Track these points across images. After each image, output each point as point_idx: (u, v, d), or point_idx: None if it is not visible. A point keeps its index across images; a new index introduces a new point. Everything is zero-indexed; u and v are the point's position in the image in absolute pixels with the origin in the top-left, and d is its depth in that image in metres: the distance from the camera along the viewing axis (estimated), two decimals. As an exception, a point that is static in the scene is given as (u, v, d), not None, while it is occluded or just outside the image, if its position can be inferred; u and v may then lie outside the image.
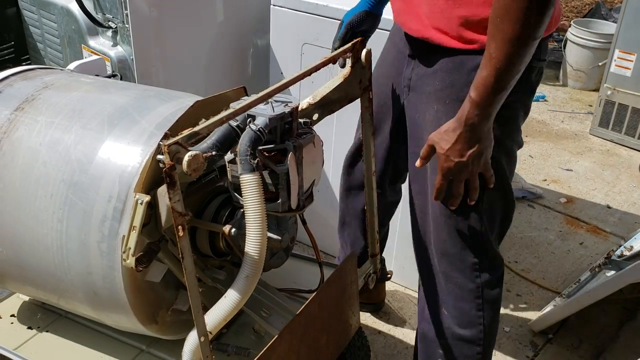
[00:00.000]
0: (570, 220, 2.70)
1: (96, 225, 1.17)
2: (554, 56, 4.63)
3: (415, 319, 2.05)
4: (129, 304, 1.22)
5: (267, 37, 2.07)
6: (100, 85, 1.44)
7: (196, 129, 0.92)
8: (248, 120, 1.16)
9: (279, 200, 1.21)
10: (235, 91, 1.36)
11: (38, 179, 1.24)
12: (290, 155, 1.18)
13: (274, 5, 1.99)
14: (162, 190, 1.12)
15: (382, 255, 2.01)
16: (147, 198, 1.11)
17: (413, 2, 1.33)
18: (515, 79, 1.17)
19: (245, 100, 1.08)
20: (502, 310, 2.12)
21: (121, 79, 1.80)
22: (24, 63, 2.28)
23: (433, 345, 1.51)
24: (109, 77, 1.76)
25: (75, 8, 1.90)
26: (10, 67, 1.50)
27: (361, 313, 2.05)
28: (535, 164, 3.18)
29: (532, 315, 2.09)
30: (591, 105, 3.83)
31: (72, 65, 1.68)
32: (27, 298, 1.56)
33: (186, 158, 0.89)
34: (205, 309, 1.14)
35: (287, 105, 1.21)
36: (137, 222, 1.11)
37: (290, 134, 1.21)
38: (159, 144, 1.01)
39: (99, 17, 1.85)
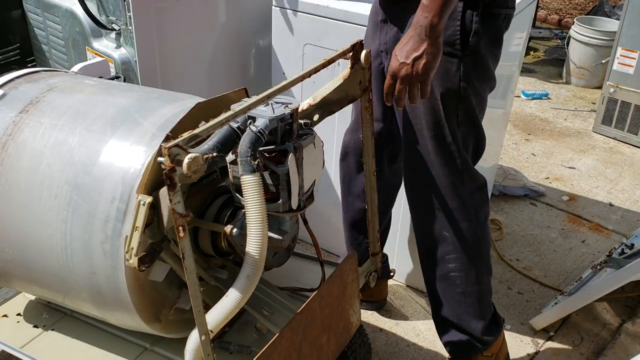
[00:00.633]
0: (573, 218, 2.71)
1: (100, 225, 1.19)
2: (557, 54, 4.63)
3: (417, 316, 2.07)
4: (132, 303, 1.24)
5: (268, 38, 2.09)
6: (103, 87, 1.46)
7: (196, 131, 0.94)
8: (248, 121, 1.18)
9: (280, 201, 1.23)
10: (237, 92, 1.38)
11: (42, 180, 1.26)
12: (290, 156, 1.19)
13: (275, 7, 2.01)
14: (164, 192, 1.13)
15: (385, 252, 2.03)
16: (149, 199, 1.13)
17: None
18: None
19: (245, 102, 1.10)
20: (504, 308, 2.13)
21: (124, 81, 1.82)
22: (30, 65, 2.31)
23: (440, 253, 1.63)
24: (113, 79, 1.78)
25: (79, 10, 1.92)
26: (15, 69, 1.52)
27: (363, 311, 2.07)
28: (538, 162, 3.18)
29: (534, 313, 2.10)
30: (594, 103, 3.83)
31: (76, 68, 1.70)
32: (33, 297, 1.59)
33: (186, 160, 0.91)
34: (208, 307, 1.16)
35: (287, 106, 1.22)
36: (140, 222, 1.13)
37: (290, 135, 1.23)
38: (160, 146, 1.03)
39: (102, 19, 1.87)
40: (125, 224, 1.18)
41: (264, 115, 1.17)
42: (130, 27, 1.78)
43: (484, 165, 2.19)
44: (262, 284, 1.46)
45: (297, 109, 1.23)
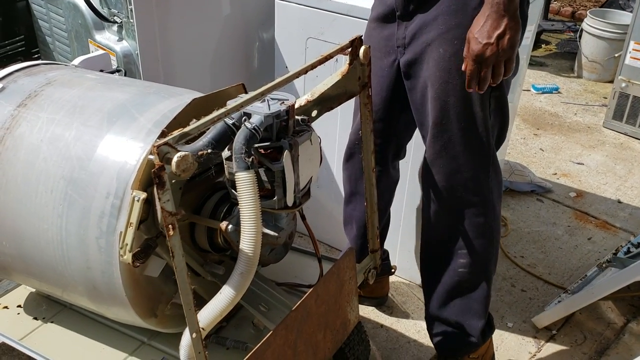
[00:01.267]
0: (580, 215, 2.67)
1: (95, 221, 1.20)
2: (569, 47, 4.56)
3: (418, 313, 2.06)
4: (127, 298, 1.24)
5: (272, 31, 2.07)
6: (102, 81, 1.46)
7: (187, 129, 0.93)
8: (243, 118, 1.17)
9: (275, 198, 1.22)
10: (235, 88, 1.37)
11: (39, 175, 1.26)
12: (285, 153, 1.19)
13: (278, 0, 1.99)
14: (158, 188, 1.13)
15: (386, 249, 2.02)
16: (143, 195, 1.13)
17: None
18: None
19: (240, 99, 1.09)
20: (506, 305, 2.12)
21: (125, 74, 1.82)
22: (35, 57, 2.31)
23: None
24: (113, 72, 1.78)
25: (81, 2, 1.92)
26: (21, 60, 1.52)
27: (364, 307, 2.06)
28: (546, 157, 3.14)
29: (537, 311, 2.08)
30: (606, 98, 3.77)
31: (76, 61, 1.70)
32: (33, 289, 1.60)
33: (175, 159, 0.90)
34: (205, 302, 1.16)
35: (283, 102, 1.21)
36: (134, 218, 1.13)
37: (286, 132, 1.22)
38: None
39: (104, 11, 1.87)
40: (120, 220, 1.18)
41: (259, 112, 1.16)
42: (131, 20, 1.77)
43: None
44: (259, 280, 1.46)
45: (293, 105, 1.22)
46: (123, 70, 1.81)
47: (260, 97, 1.09)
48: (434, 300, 1.68)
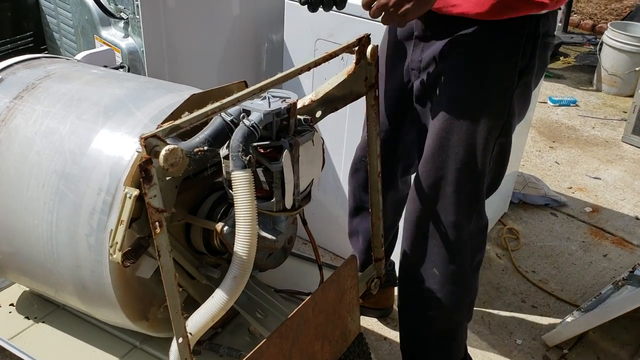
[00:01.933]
0: (595, 230, 2.59)
1: (85, 217, 1.15)
2: (588, 60, 4.48)
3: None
4: (116, 299, 1.19)
5: (281, 32, 2.03)
6: (102, 75, 1.42)
7: (177, 122, 0.88)
8: (242, 115, 1.13)
9: (273, 199, 1.17)
10: (236, 85, 1.32)
11: (31, 168, 1.22)
12: (285, 152, 1.13)
13: (288, 0, 1.95)
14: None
15: (392, 260, 1.95)
16: (136, 192, 1.08)
17: None
18: None
19: (238, 94, 1.04)
20: (516, 322, 2.04)
21: (128, 71, 1.78)
22: (43, 53, 2.30)
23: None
24: (117, 68, 1.74)
25: (88, -2, 1.89)
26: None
27: (367, 318, 2.00)
28: (561, 171, 3.06)
29: (547, 328, 2.00)
30: (625, 112, 3.68)
31: (79, 56, 1.67)
32: (27, 288, 1.56)
33: (163, 152, 0.85)
34: (199, 305, 1.11)
35: (284, 100, 1.16)
36: (125, 216, 1.08)
37: (287, 131, 1.17)
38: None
39: (111, 7, 1.84)
40: (111, 217, 1.13)
41: (258, 109, 1.12)
42: (137, 16, 1.74)
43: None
44: (257, 285, 1.40)
45: (295, 103, 1.17)
46: (127, 67, 1.78)
47: (258, 92, 1.04)
48: (403, 336, 1.65)
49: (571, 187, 2.92)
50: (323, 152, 1.27)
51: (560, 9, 1.40)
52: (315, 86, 1.95)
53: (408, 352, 1.67)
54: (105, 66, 1.68)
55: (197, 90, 1.30)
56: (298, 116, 1.20)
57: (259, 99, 1.14)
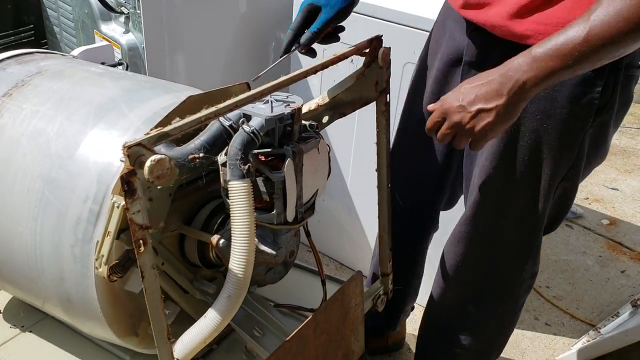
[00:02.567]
0: (612, 244, 2.48)
1: (70, 227, 1.07)
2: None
3: None
4: (103, 315, 1.11)
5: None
6: (97, 73, 1.34)
7: (166, 129, 0.80)
8: (242, 120, 1.04)
9: (274, 211, 1.08)
10: (238, 87, 1.24)
11: (16, 172, 1.14)
12: (288, 161, 1.05)
13: (298, 2, 1.86)
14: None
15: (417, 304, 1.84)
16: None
17: None
18: (604, 58, 0.93)
19: (236, 98, 0.95)
20: (528, 340, 1.94)
21: (127, 68, 1.70)
22: (43, 47, 2.22)
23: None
24: (115, 65, 1.67)
25: (89, -10, 1.82)
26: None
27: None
28: (578, 181, 2.96)
29: (561, 349, 1.90)
30: (644, 120, 3.57)
31: (76, 51, 1.59)
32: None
33: (148, 163, 0.77)
34: (194, 321, 1.02)
35: (288, 105, 1.08)
36: (112, 227, 1.00)
37: (291, 138, 1.08)
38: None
39: (111, 1, 1.76)
40: (98, 227, 1.05)
41: (260, 114, 1.03)
42: (138, 11, 1.66)
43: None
44: (255, 301, 1.32)
45: (299, 108, 1.08)
46: (125, 64, 1.70)
47: (259, 96, 0.95)
48: None
49: (587, 198, 2.81)
50: (329, 161, 1.18)
51: None
52: (324, 87, 1.86)
53: None
54: (103, 63, 1.60)
55: (196, 92, 1.21)
56: (303, 122, 1.12)
57: (260, 102, 1.06)
